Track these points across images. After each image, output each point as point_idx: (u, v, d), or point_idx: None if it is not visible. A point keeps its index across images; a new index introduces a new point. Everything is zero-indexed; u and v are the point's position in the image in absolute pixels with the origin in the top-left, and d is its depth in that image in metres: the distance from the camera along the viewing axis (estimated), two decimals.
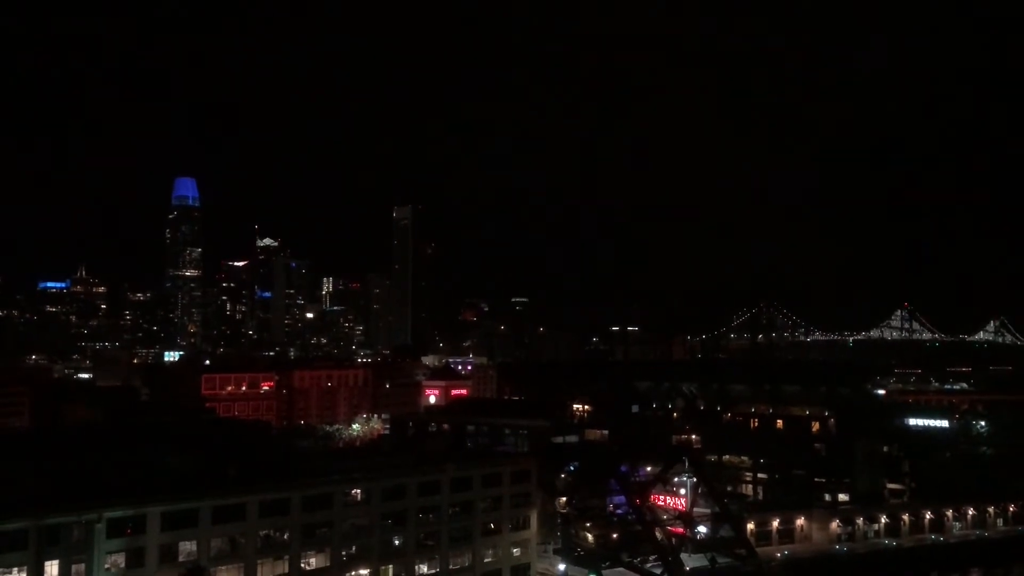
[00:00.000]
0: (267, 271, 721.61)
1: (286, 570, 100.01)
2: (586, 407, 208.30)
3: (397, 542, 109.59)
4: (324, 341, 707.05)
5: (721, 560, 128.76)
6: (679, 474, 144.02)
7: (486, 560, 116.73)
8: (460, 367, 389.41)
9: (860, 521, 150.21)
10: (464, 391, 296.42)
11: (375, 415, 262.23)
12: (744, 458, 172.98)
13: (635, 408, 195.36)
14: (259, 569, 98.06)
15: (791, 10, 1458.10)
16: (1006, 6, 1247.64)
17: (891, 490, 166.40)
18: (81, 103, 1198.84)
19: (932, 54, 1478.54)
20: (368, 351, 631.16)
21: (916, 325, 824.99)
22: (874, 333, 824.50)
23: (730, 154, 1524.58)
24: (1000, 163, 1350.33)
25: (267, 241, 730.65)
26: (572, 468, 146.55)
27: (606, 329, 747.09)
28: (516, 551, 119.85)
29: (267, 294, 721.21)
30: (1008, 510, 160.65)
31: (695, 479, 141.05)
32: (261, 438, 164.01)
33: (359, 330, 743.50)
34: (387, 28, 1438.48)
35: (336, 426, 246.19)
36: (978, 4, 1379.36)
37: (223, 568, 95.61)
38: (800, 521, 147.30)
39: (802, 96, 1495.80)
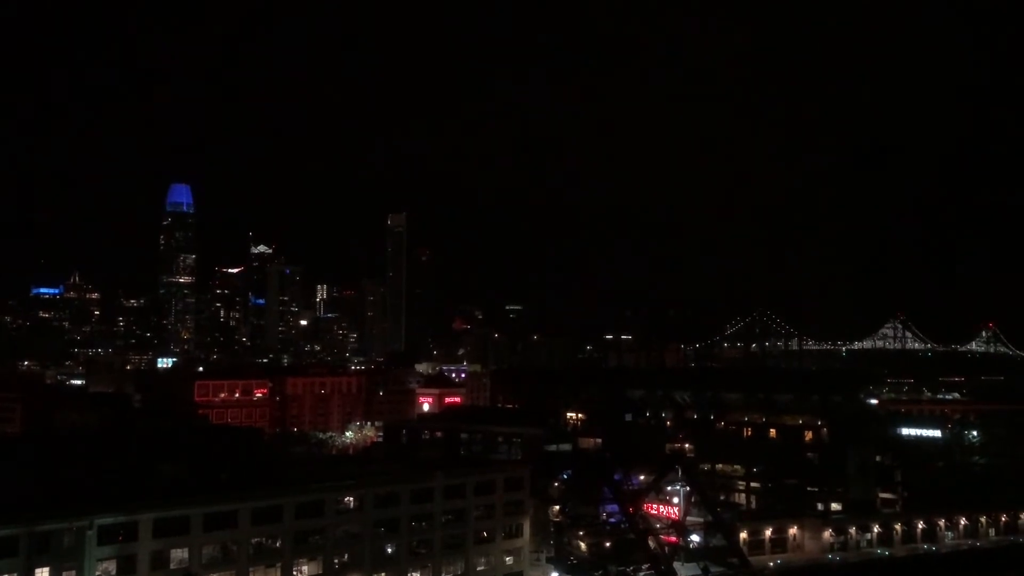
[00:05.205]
0: (261, 278, 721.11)
1: None
2: (579, 415, 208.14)
3: (390, 550, 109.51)
4: (318, 348, 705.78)
5: (714, 569, 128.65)
6: (672, 483, 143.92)
7: (479, 568, 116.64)
8: (454, 374, 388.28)
9: (853, 530, 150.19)
10: (458, 398, 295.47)
11: (368, 422, 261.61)
12: (737, 467, 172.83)
13: (628, 416, 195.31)
14: None
15: (782, 14, 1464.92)
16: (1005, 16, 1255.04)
17: (884, 499, 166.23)
18: (75, 108, 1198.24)
19: (926, 60, 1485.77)
20: (362, 358, 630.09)
21: (909, 335, 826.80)
22: (867, 343, 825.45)
23: (724, 162, 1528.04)
24: (994, 172, 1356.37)
25: (261, 248, 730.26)
26: (565, 476, 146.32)
27: (600, 337, 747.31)
28: (509, 559, 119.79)
29: (261, 301, 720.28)
30: (1000, 520, 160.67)
31: (688, 488, 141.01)
32: (253, 445, 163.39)
33: (353, 337, 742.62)
34: (382, 32, 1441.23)
35: (329, 433, 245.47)
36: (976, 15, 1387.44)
37: (215, 575, 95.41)
38: (793, 530, 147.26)
39: (795, 103, 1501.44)
